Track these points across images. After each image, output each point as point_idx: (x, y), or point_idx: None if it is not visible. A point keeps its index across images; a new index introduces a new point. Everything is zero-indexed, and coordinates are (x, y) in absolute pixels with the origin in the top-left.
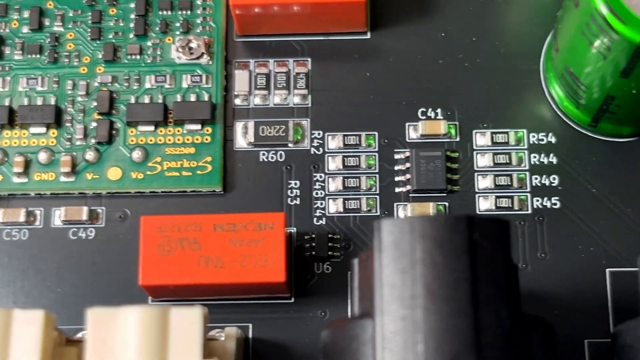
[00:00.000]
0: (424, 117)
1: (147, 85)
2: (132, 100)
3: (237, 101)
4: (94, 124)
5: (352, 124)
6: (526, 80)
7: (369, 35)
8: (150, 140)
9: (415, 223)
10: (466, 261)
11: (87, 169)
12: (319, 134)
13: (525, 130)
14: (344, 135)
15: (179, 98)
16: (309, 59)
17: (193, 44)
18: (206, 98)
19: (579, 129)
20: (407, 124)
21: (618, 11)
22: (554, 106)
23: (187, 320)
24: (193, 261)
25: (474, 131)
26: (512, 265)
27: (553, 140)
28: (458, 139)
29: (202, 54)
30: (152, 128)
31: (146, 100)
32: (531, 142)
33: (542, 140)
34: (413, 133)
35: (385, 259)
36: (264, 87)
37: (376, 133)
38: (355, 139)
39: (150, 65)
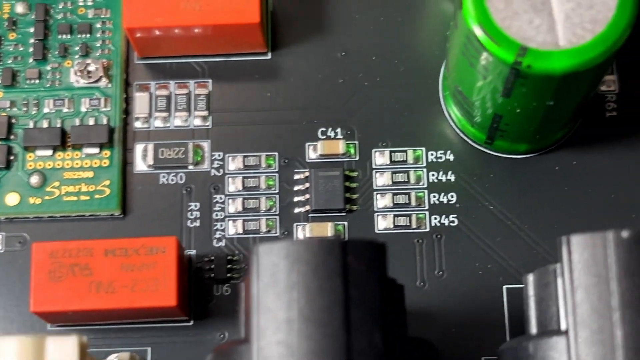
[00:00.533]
0: (323, 137)
1: (46, 110)
2: (31, 125)
3: (138, 124)
4: None
5: (253, 144)
6: (426, 98)
7: (269, 56)
8: (49, 165)
9: (290, 247)
10: (339, 284)
11: None
12: (219, 155)
13: (423, 149)
14: (244, 156)
15: (77, 122)
16: (210, 80)
17: (91, 67)
18: (105, 121)
19: (477, 147)
20: (307, 144)
21: (491, 32)
22: (452, 124)
23: (63, 350)
24: (84, 287)
25: (373, 150)
26: (391, 287)
27: (451, 158)
28: (357, 158)
29: (101, 77)
30: (50, 152)
31: (45, 124)
32: (429, 160)
33: (441, 158)
34: (312, 153)
35: (262, 283)
36: (165, 109)
37: (276, 153)
38: (256, 159)
39: (49, 89)
